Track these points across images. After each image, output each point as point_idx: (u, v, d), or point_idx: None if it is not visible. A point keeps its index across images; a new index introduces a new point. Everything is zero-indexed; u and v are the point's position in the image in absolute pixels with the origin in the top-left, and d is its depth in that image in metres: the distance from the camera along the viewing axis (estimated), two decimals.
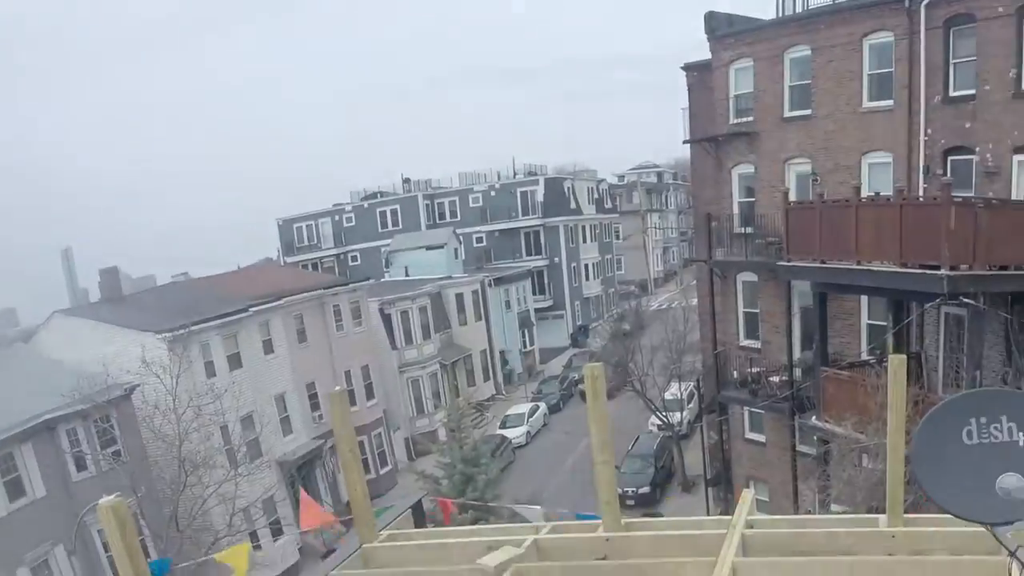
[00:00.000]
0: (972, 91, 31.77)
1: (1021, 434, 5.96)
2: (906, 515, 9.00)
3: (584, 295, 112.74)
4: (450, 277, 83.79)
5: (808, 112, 38.26)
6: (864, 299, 36.06)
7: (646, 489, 53.40)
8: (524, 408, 74.38)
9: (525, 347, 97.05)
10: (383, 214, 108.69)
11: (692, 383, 58.28)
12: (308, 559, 48.99)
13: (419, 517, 11.59)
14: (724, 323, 42.74)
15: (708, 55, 42.42)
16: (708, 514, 42.20)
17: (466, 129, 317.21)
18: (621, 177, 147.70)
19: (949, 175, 31.39)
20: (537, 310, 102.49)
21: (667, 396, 59.93)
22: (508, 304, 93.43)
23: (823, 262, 31.91)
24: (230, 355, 52.69)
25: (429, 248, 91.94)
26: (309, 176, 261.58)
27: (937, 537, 8.54)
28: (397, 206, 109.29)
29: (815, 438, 36.15)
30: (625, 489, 50.18)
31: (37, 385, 41.22)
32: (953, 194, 27.41)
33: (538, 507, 12.13)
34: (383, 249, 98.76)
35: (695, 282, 50.81)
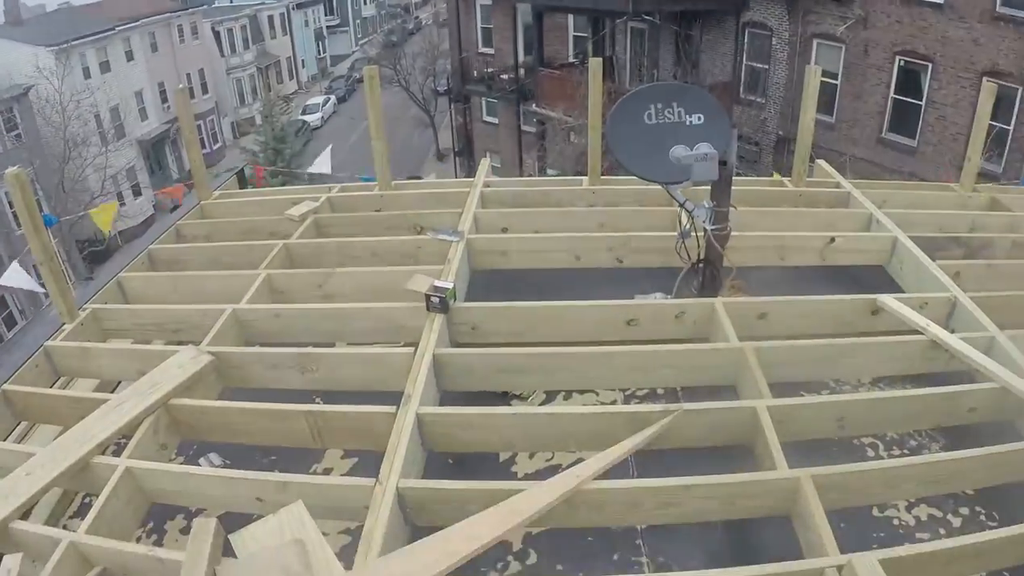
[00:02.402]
0: None
1: (688, 116, 6.12)
2: (603, 177, 9.02)
3: (363, 15, 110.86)
4: (263, 3, 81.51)
5: None
6: (571, 16, 35.58)
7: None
8: (319, 99, 73.68)
9: (319, 54, 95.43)
10: None
11: (444, 80, 57.75)
12: (160, 213, 48.17)
13: (242, 181, 11.52)
14: (467, 35, 41.80)
15: None
16: (456, 177, 42.32)
17: None
18: None
19: None
20: (328, 27, 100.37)
21: (425, 90, 59.72)
22: (307, 23, 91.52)
23: None
24: (101, 62, 52.41)
25: None
26: None
27: (626, 193, 8.59)
28: None
29: (535, 120, 36.36)
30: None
31: None
32: None
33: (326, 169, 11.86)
34: None
35: (444, 4, 49.69)
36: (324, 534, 4.12)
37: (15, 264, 9.84)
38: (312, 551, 3.98)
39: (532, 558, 4.85)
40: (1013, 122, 23.31)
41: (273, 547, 4.01)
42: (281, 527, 4.12)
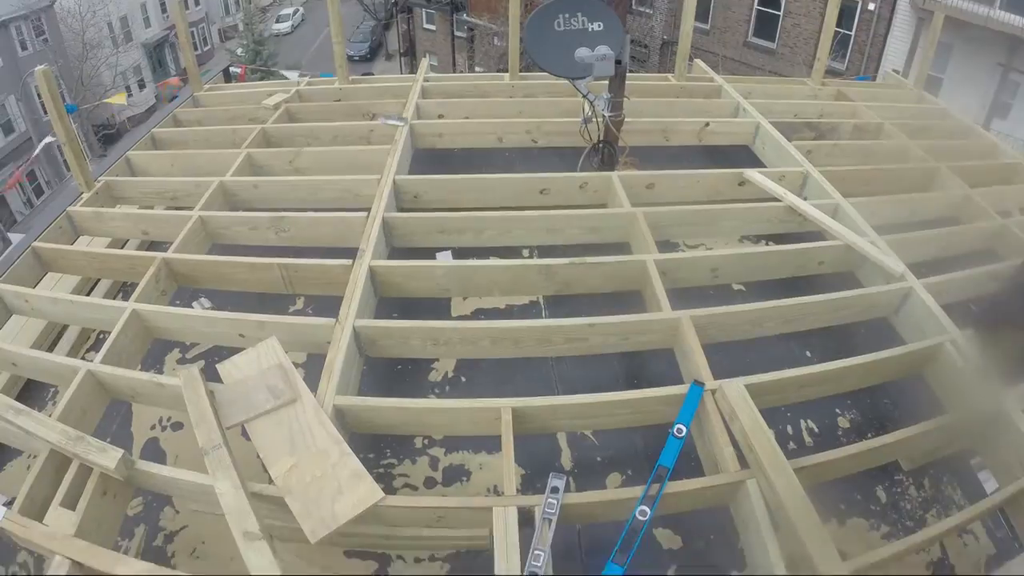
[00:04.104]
0: None
1: (590, 24, 6.10)
2: (521, 73, 8.90)
3: None
4: None
5: None
6: None
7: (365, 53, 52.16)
8: (290, 9, 71.65)
9: None
10: None
11: None
12: (160, 103, 47.21)
13: (227, 77, 11.53)
14: None
15: None
16: (401, 74, 41.66)
17: None
18: None
19: None
20: None
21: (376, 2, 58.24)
22: None
23: None
24: None
25: None
26: None
27: (539, 86, 8.52)
28: None
29: (466, 27, 35.81)
30: (351, 54, 49.39)
31: None
32: None
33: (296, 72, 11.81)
34: None
35: None
36: (294, 363, 4.14)
37: (48, 138, 9.86)
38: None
39: (463, 379, 4.97)
40: (854, 28, 24.10)
41: (260, 370, 4.05)
42: (259, 357, 4.15)
